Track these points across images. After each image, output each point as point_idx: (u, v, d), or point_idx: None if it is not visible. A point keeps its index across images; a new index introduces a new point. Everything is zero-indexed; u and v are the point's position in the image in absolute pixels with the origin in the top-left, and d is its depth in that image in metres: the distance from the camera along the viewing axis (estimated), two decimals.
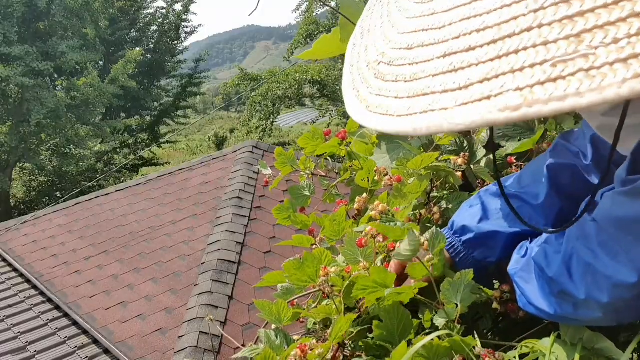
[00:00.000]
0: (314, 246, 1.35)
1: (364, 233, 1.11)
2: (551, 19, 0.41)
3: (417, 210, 1.26)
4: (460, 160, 1.25)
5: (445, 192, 1.26)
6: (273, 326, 1.15)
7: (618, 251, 0.71)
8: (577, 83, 0.39)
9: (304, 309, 1.19)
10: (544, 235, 0.90)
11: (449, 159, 1.27)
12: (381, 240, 1.11)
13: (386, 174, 1.28)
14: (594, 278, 0.75)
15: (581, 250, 0.77)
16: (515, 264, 0.96)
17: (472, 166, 1.28)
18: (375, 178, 1.32)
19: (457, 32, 0.46)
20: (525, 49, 0.42)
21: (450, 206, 1.20)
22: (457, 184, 1.25)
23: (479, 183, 1.28)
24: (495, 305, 1.04)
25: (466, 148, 1.33)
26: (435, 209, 1.19)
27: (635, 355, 0.95)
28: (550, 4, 0.42)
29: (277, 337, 1.10)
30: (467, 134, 1.48)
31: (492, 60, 0.43)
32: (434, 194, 1.27)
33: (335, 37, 1.61)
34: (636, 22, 0.39)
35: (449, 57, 0.46)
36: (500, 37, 0.43)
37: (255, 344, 1.16)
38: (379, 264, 1.13)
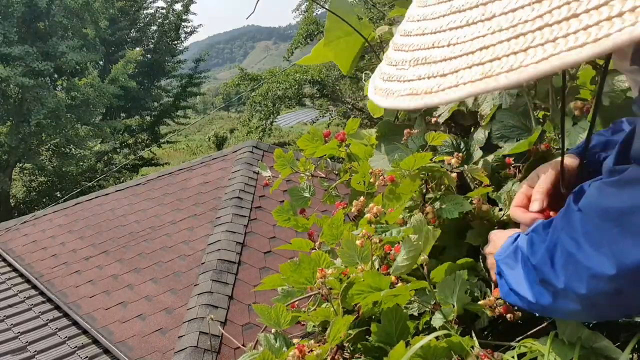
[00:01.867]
0: (312, 250, 1.35)
1: (360, 234, 1.11)
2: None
3: (414, 212, 1.26)
4: (454, 161, 1.25)
5: (439, 193, 1.26)
6: (273, 330, 1.15)
7: (601, 242, 0.71)
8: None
9: (304, 312, 1.19)
10: (535, 224, 0.91)
11: (442, 160, 1.27)
12: (377, 241, 1.12)
13: (380, 176, 1.28)
14: (574, 268, 0.75)
15: (565, 239, 0.77)
16: (503, 251, 0.96)
17: (465, 166, 1.28)
18: (371, 180, 1.32)
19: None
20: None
21: (444, 206, 1.20)
22: (452, 184, 1.25)
23: (476, 184, 1.29)
24: (489, 312, 1.04)
25: (463, 149, 1.34)
26: (429, 209, 1.19)
27: (635, 355, 0.95)
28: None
29: (276, 341, 1.11)
30: (465, 135, 1.49)
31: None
32: (429, 195, 1.27)
33: None
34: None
35: (408, 37, 0.59)
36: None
37: (254, 347, 1.17)
38: (376, 265, 1.13)
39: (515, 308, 1.04)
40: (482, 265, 1.14)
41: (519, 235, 0.96)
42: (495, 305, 1.03)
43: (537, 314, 0.98)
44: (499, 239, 1.03)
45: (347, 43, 1.58)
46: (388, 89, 0.58)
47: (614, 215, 0.70)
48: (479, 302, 1.04)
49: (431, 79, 0.53)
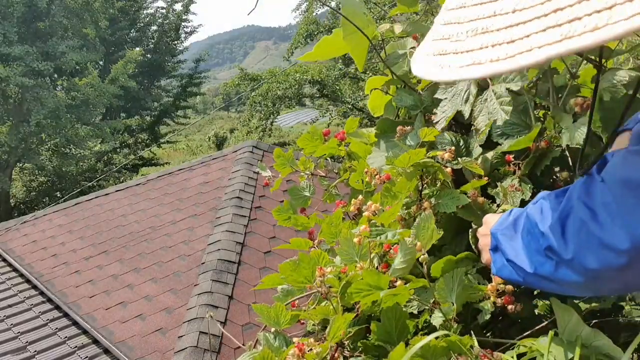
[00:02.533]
0: (312, 248, 1.35)
1: (358, 233, 1.11)
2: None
3: (411, 208, 1.26)
4: (446, 155, 1.25)
5: (435, 189, 1.26)
6: (272, 329, 1.15)
7: (619, 213, 0.69)
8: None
9: (304, 310, 1.19)
10: (540, 194, 0.90)
11: (436, 155, 1.27)
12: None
13: (376, 175, 1.28)
14: (586, 238, 0.73)
15: (580, 208, 0.75)
16: (499, 225, 0.95)
17: (459, 159, 1.28)
18: (367, 179, 1.32)
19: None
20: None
21: (440, 201, 1.20)
22: (446, 179, 1.25)
23: (476, 178, 1.28)
24: (492, 298, 1.03)
25: (462, 146, 1.33)
26: (426, 204, 1.19)
27: (635, 355, 0.95)
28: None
29: (275, 340, 1.11)
30: (466, 133, 1.49)
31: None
32: (425, 191, 1.27)
33: (335, 39, 1.61)
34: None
35: (462, 10, 0.57)
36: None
37: (254, 346, 1.16)
38: (375, 263, 1.13)
39: (516, 300, 1.03)
40: (472, 242, 1.13)
41: (515, 209, 0.95)
42: (499, 290, 1.03)
43: (531, 287, 0.97)
44: (493, 220, 1.01)
45: (360, 38, 1.57)
46: (443, 62, 0.56)
47: (634, 185, 0.68)
48: (487, 286, 1.04)
49: (496, 47, 0.50)
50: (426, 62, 0.59)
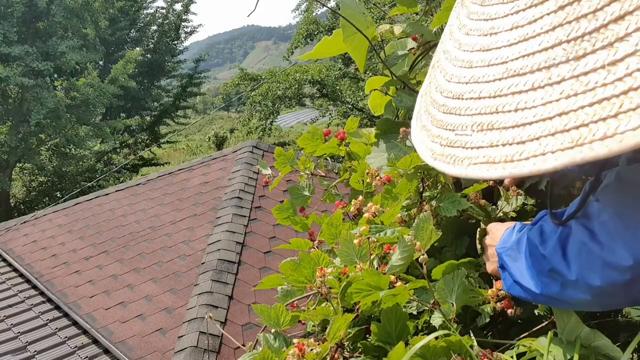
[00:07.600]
0: (312, 249, 1.35)
1: (358, 234, 1.11)
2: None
3: (411, 210, 1.26)
4: None
5: (436, 191, 1.26)
6: (272, 329, 1.15)
7: (617, 232, 0.70)
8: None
9: (304, 311, 1.19)
10: (540, 214, 0.90)
11: None
12: (375, 240, 1.12)
13: (377, 176, 1.28)
14: (588, 258, 0.74)
15: (578, 230, 0.76)
16: (503, 243, 0.95)
17: None
18: (368, 180, 1.32)
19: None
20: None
21: (442, 204, 1.20)
22: (447, 182, 1.25)
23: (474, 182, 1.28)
24: (492, 304, 1.04)
25: None
26: (427, 207, 1.19)
27: (635, 355, 0.95)
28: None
29: (275, 340, 1.11)
30: None
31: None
32: (426, 193, 1.27)
33: (335, 39, 1.62)
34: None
35: (459, 100, 0.56)
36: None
37: (254, 347, 1.17)
38: (375, 264, 1.13)
39: (516, 305, 1.04)
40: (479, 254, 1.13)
41: (519, 226, 0.95)
42: (499, 296, 1.03)
43: (541, 304, 0.97)
44: (498, 230, 1.02)
45: (360, 39, 1.58)
46: (453, 155, 0.54)
47: (631, 202, 0.68)
48: (487, 291, 1.04)
49: (506, 147, 0.48)
50: (433, 150, 0.58)
